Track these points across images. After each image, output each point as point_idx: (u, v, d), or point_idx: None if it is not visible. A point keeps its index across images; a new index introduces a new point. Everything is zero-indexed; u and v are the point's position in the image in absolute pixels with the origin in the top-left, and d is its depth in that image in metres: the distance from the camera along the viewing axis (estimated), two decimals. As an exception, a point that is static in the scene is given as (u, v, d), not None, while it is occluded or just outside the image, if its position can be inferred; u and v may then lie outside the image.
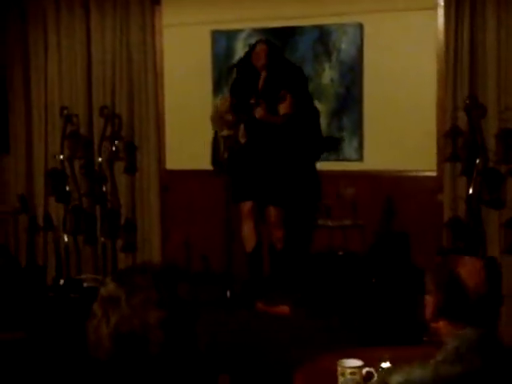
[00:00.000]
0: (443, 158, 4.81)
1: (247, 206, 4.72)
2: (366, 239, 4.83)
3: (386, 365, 2.53)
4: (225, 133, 4.42)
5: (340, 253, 4.99)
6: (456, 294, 1.98)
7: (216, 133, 4.86)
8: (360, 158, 5.08)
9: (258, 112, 4.40)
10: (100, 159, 5.52)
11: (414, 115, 4.96)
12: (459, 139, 4.67)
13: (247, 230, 4.75)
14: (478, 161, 4.64)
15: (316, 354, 3.97)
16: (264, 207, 4.70)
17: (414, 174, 4.99)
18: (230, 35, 5.32)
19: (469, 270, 1.99)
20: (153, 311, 1.60)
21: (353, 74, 5.06)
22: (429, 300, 2.04)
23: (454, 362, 1.92)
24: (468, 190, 4.69)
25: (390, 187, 4.98)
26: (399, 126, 5.01)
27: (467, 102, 4.64)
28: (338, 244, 4.92)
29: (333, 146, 4.65)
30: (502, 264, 4.69)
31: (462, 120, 4.73)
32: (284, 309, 4.47)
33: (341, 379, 2.53)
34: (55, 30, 5.66)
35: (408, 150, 4.99)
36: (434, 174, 4.95)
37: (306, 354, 4.02)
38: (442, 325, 2.03)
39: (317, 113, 5.01)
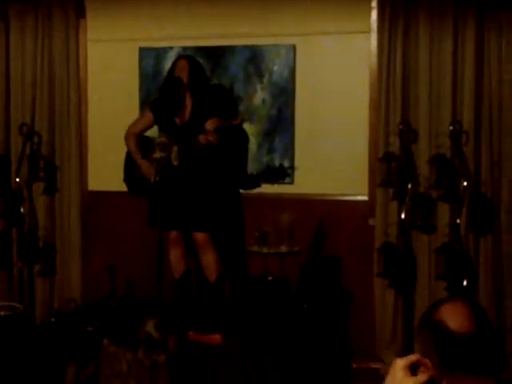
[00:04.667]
0: (375, 182, 4.79)
1: (174, 232, 4.55)
2: (302, 265, 4.74)
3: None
4: (158, 155, 4.23)
5: (270, 278, 4.89)
6: (449, 344, 1.82)
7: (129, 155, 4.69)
8: (291, 182, 4.99)
9: (203, 138, 4.24)
10: (18, 179, 5.22)
11: (346, 139, 4.93)
12: (392, 164, 4.65)
13: (175, 256, 4.58)
14: (409, 186, 4.63)
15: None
16: (190, 233, 4.53)
17: (346, 198, 4.94)
18: (159, 53, 5.16)
19: (451, 314, 1.85)
20: None
21: (285, 95, 4.98)
22: (426, 367, 1.79)
23: None
24: (400, 215, 4.67)
25: (321, 211, 4.91)
26: (331, 150, 4.96)
27: (401, 127, 4.63)
28: (274, 271, 4.81)
29: (283, 175, 4.53)
30: (432, 290, 4.72)
31: (394, 145, 4.72)
32: (215, 338, 4.31)
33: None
34: (-29, 41, 5.35)
35: (340, 174, 4.95)
36: (365, 198, 4.92)
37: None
38: None
39: (246, 138, 4.89)
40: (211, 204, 4.46)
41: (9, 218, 5.30)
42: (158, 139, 4.42)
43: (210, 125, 4.36)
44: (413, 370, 1.67)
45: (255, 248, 4.75)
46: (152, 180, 4.30)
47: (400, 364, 1.62)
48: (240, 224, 4.88)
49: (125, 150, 4.81)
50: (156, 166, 4.28)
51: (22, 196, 5.26)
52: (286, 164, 4.92)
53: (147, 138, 4.70)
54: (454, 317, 1.82)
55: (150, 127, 4.69)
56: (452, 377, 1.79)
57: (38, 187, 5.31)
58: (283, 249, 4.72)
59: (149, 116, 4.64)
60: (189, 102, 4.48)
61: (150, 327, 1.79)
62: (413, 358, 1.72)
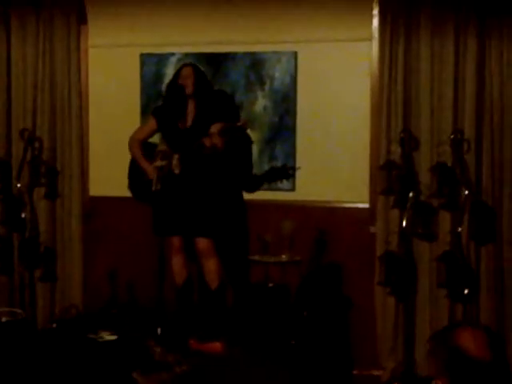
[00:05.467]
0: (376, 189, 4.79)
1: (176, 239, 4.56)
2: (303, 273, 4.75)
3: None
4: (158, 163, 4.23)
5: (270, 285, 4.89)
6: (463, 368, 1.82)
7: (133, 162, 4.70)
8: (292, 188, 5.00)
9: (207, 141, 4.24)
10: (19, 184, 5.22)
11: (348, 146, 4.94)
12: (393, 172, 4.65)
13: (177, 264, 4.59)
14: (411, 194, 4.63)
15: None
16: (193, 239, 4.53)
17: (347, 205, 4.95)
18: (160, 59, 5.16)
19: (469, 339, 1.84)
20: None
21: (286, 102, 4.98)
22: None
23: None
24: (401, 223, 4.67)
25: (322, 218, 4.91)
26: (332, 157, 4.97)
27: (402, 135, 4.63)
28: (275, 278, 4.82)
29: (286, 175, 4.52)
30: (433, 298, 4.72)
31: (395, 153, 4.72)
32: (216, 346, 4.31)
33: None
34: (-28, 46, 5.35)
35: (341, 181, 4.95)
36: (366, 205, 4.92)
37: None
38: None
39: (249, 141, 4.89)
40: (214, 209, 4.46)
41: (10, 224, 5.30)
42: (159, 147, 4.42)
43: (214, 129, 4.36)
44: None
45: (256, 257, 4.76)
46: (153, 188, 4.30)
47: None
48: (243, 230, 4.89)
49: (126, 155, 4.81)
50: (157, 174, 4.27)
51: (23, 201, 5.25)
52: (289, 164, 4.91)
53: (151, 144, 4.70)
54: (472, 343, 1.82)
55: (153, 134, 4.70)
56: None
57: (39, 192, 5.30)
58: (284, 258, 4.72)
59: (152, 123, 4.64)
60: (192, 108, 4.49)
61: (159, 352, 1.83)
62: None
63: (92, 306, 5.22)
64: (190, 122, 4.49)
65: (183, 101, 4.46)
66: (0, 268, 5.32)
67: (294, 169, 4.84)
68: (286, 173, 4.66)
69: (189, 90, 4.42)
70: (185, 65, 4.60)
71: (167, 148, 4.36)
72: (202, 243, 4.46)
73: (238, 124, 4.35)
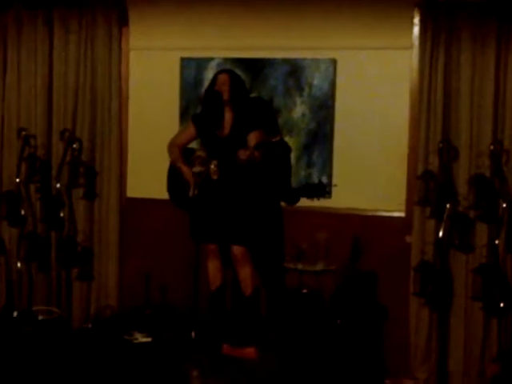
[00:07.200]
0: (412, 199, 4.77)
1: (212, 245, 4.59)
2: (338, 281, 4.76)
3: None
4: (197, 169, 4.26)
5: (304, 291, 4.89)
6: None
7: (172, 167, 4.72)
8: (328, 195, 4.98)
9: (243, 154, 4.25)
10: (58, 185, 5.29)
11: (385, 155, 4.91)
12: (431, 183, 4.63)
13: (212, 269, 4.62)
14: (448, 205, 4.59)
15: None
16: (228, 246, 4.56)
17: (383, 213, 4.93)
18: (200, 63, 5.19)
19: None
20: None
21: (324, 110, 4.98)
22: None
23: None
24: (437, 233, 4.64)
25: (358, 226, 4.90)
26: (369, 165, 4.95)
27: (441, 145, 4.60)
28: (310, 284, 4.82)
29: (322, 192, 4.49)
30: (468, 310, 4.69)
31: (433, 163, 4.69)
32: (250, 352, 4.33)
33: None
34: (16, 47, 5.43)
35: (377, 190, 4.93)
36: (402, 214, 4.90)
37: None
38: None
39: (288, 150, 4.89)
40: (250, 218, 4.49)
41: (48, 222, 5.39)
42: (197, 153, 4.45)
43: (252, 138, 4.39)
44: None
45: (291, 265, 4.76)
46: (190, 193, 4.34)
47: None
48: (280, 238, 4.89)
49: (164, 157, 4.84)
50: (195, 180, 4.31)
51: (61, 201, 5.33)
52: (324, 179, 4.90)
53: (189, 149, 4.73)
54: None
55: (193, 140, 4.73)
56: None
57: (78, 192, 5.38)
58: (319, 266, 4.72)
59: (191, 129, 4.67)
60: (229, 115, 4.51)
61: (196, 376, 1.86)
62: None
63: (126, 305, 5.28)
64: (227, 129, 4.51)
65: (220, 107, 4.48)
66: (38, 266, 5.41)
67: (330, 185, 4.82)
68: (322, 190, 4.61)
69: (225, 96, 4.44)
70: (221, 71, 4.62)
71: (205, 154, 4.39)
72: (237, 251, 4.49)
73: (274, 140, 4.36)
